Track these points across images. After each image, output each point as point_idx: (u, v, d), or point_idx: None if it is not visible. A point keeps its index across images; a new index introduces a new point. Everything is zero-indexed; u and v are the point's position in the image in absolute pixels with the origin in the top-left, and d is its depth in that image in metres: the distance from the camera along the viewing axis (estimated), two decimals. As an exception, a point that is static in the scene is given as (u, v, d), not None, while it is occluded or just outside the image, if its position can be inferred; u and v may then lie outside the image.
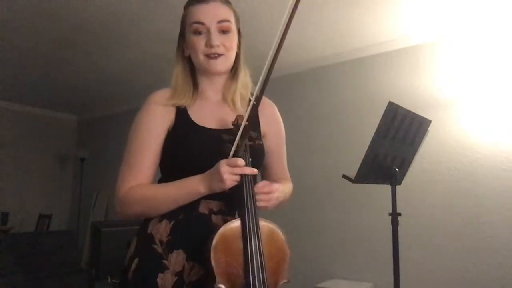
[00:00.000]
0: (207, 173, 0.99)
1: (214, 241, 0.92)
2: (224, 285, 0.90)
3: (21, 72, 4.44)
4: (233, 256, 0.93)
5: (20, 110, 5.82)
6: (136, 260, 1.04)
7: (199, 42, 1.08)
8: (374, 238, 3.22)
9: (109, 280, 2.38)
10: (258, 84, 0.96)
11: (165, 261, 1.00)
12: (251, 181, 1.00)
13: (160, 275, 0.99)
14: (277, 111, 1.26)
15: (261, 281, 0.92)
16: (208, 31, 1.07)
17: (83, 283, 3.64)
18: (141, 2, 2.83)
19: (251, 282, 0.90)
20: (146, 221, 1.09)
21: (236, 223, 0.96)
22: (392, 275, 1.83)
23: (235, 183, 0.97)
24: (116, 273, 2.36)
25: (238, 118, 1.04)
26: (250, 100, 1.17)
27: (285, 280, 1.02)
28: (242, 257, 0.93)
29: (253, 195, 0.99)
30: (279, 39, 0.91)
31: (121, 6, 2.89)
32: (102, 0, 2.83)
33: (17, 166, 5.71)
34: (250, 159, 1.02)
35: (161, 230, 1.04)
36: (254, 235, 0.95)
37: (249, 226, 0.95)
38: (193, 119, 1.09)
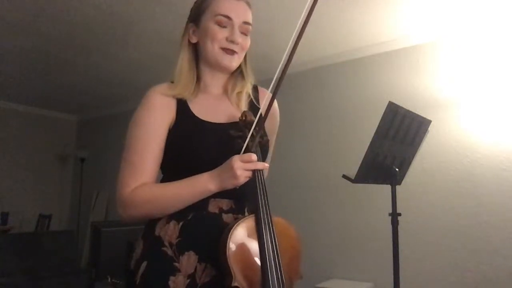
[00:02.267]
0: (217, 169, 0.97)
1: (230, 238, 0.90)
2: (241, 282, 0.89)
3: (21, 72, 4.44)
4: (249, 253, 0.92)
5: (20, 110, 5.82)
6: (144, 264, 1.01)
7: (220, 33, 1.07)
8: (374, 238, 3.22)
9: (109, 280, 2.38)
10: (273, 81, 0.96)
11: (176, 264, 0.97)
12: (263, 176, 0.99)
13: (172, 278, 0.96)
14: (276, 103, 1.24)
15: (278, 277, 0.91)
16: (232, 27, 1.07)
17: (83, 283, 3.64)
18: (141, 2, 2.83)
19: (269, 278, 0.89)
20: (151, 222, 1.05)
21: (250, 220, 0.95)
22: (392, 275, 1.83)
23: (247, 179, 0.96)
24: (116, 273, 2.36)
25: (246, 114, 1.03)
26: (250, 96, 1.18)
27: (298, 277, 1.02)
28: (258, 254, 0.92)
29: (265, 190, 0.98)
30: (296, 37, 0.93)
31: (121, 6, 2.89)
32: (102, 0, 2.82)
33: (17, 166, 5.71)
34: (260, 154, 1.02)
35: (170, 232, 1.01)
36: (268, 231, 0.94)
37: (264, 222, 0.94)
38: (195, 113, 1.07)
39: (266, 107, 1.01)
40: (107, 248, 2.45)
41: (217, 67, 1.11)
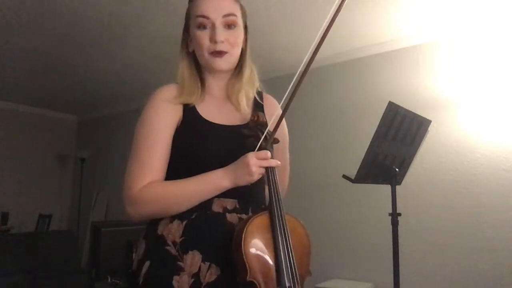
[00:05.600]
0: (230, 166, 0.97)
1: (245, 232, 0.91)
2: (256, 277, 0.90)
3: (21, 72, 4.44)
4: (263, 248, 0.93)
5: (20, 110, 5.82)
6: (147, 263, 0.99)
7: (204, 38, 1.05)
8: (374, 238, 3.22)
9: (109, 280, 2.39)
10: (293, 81, 0.96)
11: (180, 263, 0.96)
12: (275, 173, 1.00)
13: (176, 277, 0.95)
14: (284, 123, 1.21)
15: (293, 273, 0.92)
16: (213, 25, 1.04)
17: (83, 283, 3.64)
18: (141, 2, 2.83)
19: (284, 274, 0.90)
20: (153, 222, 1.04)
21: (264, 216, 0.96)
22: (392, 275, 1.83)
23: (260, 176, 0.97)
24: (116, 273, 2.36)
25: (258, 114, 1.04)
26: (255, 98, 1.17)
27: (308, 274, 1.02)
28: (272, 250, 0.93)
29: (278, 187, 0.99)
30: (321, 37, 0.92)
31: (121, 6, 2.89)
32: (102, 1, 2.82)
33: (17, 166, 5.71)
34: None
35: (173, 231, 1.00)
36: (282, 228, 0.95)
37: (277, 218, 0.95)
38: (203, 115, 1.07)
39: (277, 113, 1.02)
40: (107, 248, 2.45)
41: (212, 71, 1.10)
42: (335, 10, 0.90)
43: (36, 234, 4.69)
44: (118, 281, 2.36)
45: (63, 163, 6.28)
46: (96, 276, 2.46)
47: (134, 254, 1.07)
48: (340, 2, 0.90)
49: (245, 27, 1.13)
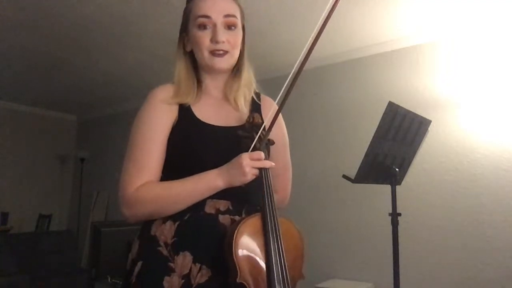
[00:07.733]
0: (224, 166, 0.98)
1: (236, 233, 0.91)
2: (246, 279, 0.90)
3: (22, 72, 4.44)
4: (254, 250, 0.93)
5: (20, 110, 5.82)
6: (139, 264, 1.00)
7: (204, 38, 1.05)
8: (374, 238, 3.22)
9: (109, 280, 2.39)
10: (288, 79, 0.97)
11: (171, 264, 0.97)
12: (269, 175, 1.00)
13: (167, 278, 0.95)
14: (280, 116, 1.24)
15: (284, 276, 0.91)
16: (214, 26, 1.04)
17: (83, 283, 3.64)
18: (141, 2, 2.83)
19: (274, 277, 0.90)
20: (147, 222, 1.05)
21: (256, 218, 0.96)
22: (392, 275, 1.83)
23: (254, 177, 0.97)
24: (116, 273, 2.36)
25: (254, 116, 1.04)
26: (252, 98, 1.17)
27: (301, 277, 1.02)
28: (263, 252, 0.93)
29: (271, 190, 0.99)
30: (315, 36, 0.93)
31: (122, 6, 2.89)
32: (102, 0, 2.82)
33: (17, 166, 5.71)
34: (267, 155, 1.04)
35: (166, 232, 1.00)
36: (274, 230, 0.94)
37: (270, 220, 0.95)
38: (198, 116, 1.07)
39: (271, 113, 1.02)
40: (107, 248, 2.46)
41: (211, 71, 1.10)
42: (329, 10, 0.91)
43: (36, 234, 4.69)
44: (118, 281, 2.36)
45: (63, 163, 6.28)
46: (96, 276, 2.46)
47: (129, 254, 1.08)
48: (333, 3, 0.91)
49: (243, 29, 1.14)
